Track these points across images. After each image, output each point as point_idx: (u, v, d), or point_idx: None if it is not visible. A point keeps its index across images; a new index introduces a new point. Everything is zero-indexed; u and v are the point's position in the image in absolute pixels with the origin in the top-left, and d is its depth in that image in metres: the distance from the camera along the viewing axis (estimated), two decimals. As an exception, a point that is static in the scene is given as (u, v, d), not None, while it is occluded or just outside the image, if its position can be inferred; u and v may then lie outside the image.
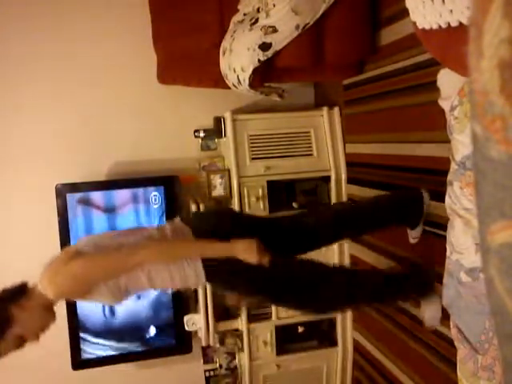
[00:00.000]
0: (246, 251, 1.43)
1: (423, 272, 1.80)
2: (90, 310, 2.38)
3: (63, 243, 2.31)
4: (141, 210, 2.41)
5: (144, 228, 1.61)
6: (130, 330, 2.45)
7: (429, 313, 1.77)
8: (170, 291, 1.68)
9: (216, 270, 1.49)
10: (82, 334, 2.37)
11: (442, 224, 1.56)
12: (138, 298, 2.44)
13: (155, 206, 2.42)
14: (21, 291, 1.38)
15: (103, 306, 2.39)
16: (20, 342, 1.35)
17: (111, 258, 1.40)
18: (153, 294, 2.45)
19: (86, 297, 1.41)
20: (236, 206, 2.35)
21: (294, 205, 2.45)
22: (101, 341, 2.41)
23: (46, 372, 2.47)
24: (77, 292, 1.41)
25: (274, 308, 2.41)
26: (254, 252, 1.43)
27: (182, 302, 2.47)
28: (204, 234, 1.48)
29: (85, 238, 1.56)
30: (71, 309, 2.33)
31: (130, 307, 2.43)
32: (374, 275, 1.82)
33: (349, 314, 2.49)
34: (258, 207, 2.36)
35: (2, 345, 1.31)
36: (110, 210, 2.39)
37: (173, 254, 1.45)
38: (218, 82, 2.09)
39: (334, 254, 2.46)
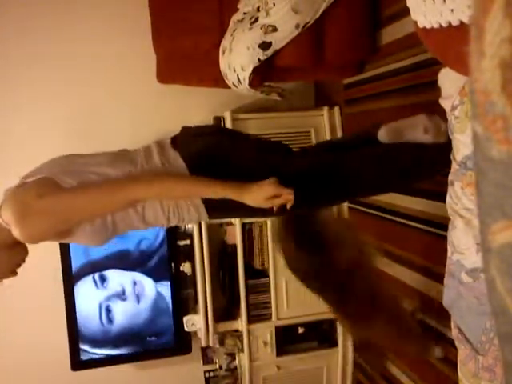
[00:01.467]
0: (259, 200, 1.15)
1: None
2: (90, 312, 2.38)
3: (62, 247, 2.31)
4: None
5: (125, 155, 1.33)
6: (130, 331, 2.45)
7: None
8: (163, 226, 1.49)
9: (221, 207, 1.23)
10: (80, 334, 2.37)
11: (442, 224, 1.55)
12: (138, 300, 2.44)
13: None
14: None
15: (100, 311, 2.38)
16: None
17: (99, 193, 1.14)
18: (152, 292, 2.45)
19: (64, 239, 1.17)
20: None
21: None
22: (98, 350, 2.40)
23: (45, 373, 2.47)
24: (54, 234, 1.13)
25: (274, 308, 2.40)
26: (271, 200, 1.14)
27: (182, 302, 2.47)
28: (204, 170, 1.20)
29: (46, 164, 1.30)
30: (70, 308, 2.33)
31: (130, 307, 2.43)
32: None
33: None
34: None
35: None
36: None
37: (171, 194, 1.19)
38: (218, 81, 2.09)
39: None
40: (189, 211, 1.24)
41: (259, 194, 1.17)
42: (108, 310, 2.38)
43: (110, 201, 1.15)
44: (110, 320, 2.38)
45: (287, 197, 1.19)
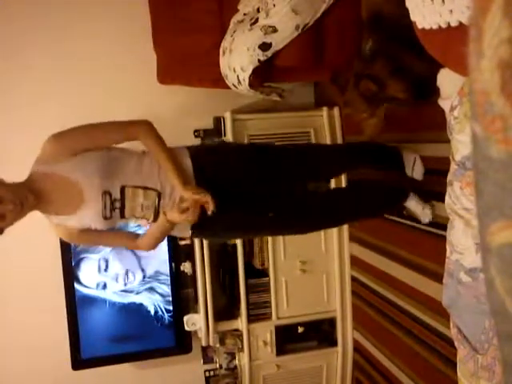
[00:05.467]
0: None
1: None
2: (90, 311, 2.38)
3: (62, 242, 2.31)
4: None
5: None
6: (130, 331, 2.45)
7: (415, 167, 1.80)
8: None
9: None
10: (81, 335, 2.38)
11: (442, 224, 1.56)
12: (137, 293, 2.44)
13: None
14: None
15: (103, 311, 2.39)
16: None
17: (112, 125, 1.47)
18: (148, 300, 2.45)
19: (76, 156, 1.37)
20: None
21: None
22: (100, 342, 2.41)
23: (46, 372, 2.47)
24: (72, 143, 1.40)
25: (273, 308, 2.41)
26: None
27: (182, 301, 2.47)
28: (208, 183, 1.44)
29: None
30: (71, 308, 2.33)
31: (129, 307, 2.43)
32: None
33: (349, 314, 2.49)
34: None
35: None
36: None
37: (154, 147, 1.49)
38: (218, 81, 2.09)
39: (334, 253, 2.46)
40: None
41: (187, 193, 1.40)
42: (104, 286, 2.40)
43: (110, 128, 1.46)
44: (113, 313, 2.40)
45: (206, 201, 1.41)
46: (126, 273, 2.41)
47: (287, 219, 1.64)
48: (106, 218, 1.40)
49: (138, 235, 1.56)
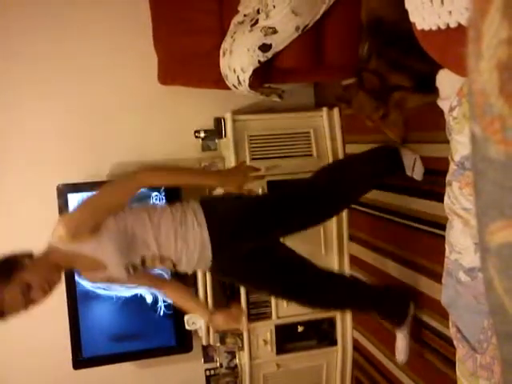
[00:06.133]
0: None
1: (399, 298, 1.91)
2: (91, 310, 2.39)
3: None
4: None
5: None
6: (131, 330, 2.46)
7: (399, 344, 1.92)
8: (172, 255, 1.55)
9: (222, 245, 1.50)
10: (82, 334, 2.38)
11: (441, 224, 1.56)
12: (138, 296, 2.44)
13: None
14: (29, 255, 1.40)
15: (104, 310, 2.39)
16: (25, 289, 1.32)
17: (114, 185, 1.48)
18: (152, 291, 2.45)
19: (96, 233, 1.37)
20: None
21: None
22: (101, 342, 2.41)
23: (47, 371, 2.47)
24: (87, 227, 1.36)
25: (273, 307, 2.41)
26: None
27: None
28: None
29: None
30: (73, 306, 2.33)
31: (129, 307, 2.43)
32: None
33: (348, 314, 2.50)
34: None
35: (8, 287, 1.30)
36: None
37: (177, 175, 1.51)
38: (219, 82, 2.09)
39: (334, 254, 2.46)
40: (193, 227, 1.47)
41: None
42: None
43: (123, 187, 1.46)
44: (113, 312, 2.40)
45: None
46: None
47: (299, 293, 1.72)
48: (129, 274, 1.48)
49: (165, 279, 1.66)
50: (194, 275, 2.39)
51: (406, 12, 0.79)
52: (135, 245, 1.43)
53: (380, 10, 1.44)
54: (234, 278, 1.88)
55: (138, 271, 1.48)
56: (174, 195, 2.43)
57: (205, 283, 2.34)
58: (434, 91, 1.14)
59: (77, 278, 2.35)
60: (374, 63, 1.50)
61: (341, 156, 2.48)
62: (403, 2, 0.80)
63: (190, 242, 1.47)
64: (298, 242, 2.42)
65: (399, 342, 1.93)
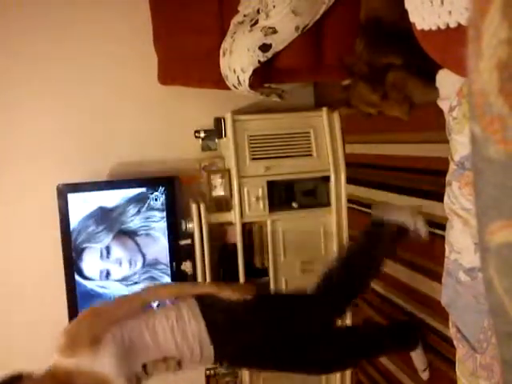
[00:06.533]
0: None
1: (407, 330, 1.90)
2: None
3: (64, 243, 2.31)
4: (142, 210, 2.42)
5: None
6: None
7: (417, 363, 1.88)
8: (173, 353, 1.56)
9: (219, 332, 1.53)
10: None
11: (441, 224, 1.56)
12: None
13: (156, 206, 2.42)
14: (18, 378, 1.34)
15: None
16: None
17: (120, 299, 1.56)
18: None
19: (95, 346, 1.37)
20: (236, 207, 2.35)
21: (294, 205, 2.45)
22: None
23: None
24: (86, 337, 1.38)
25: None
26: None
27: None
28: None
29: None
30: (73, 306, 2.33)
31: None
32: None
33: (349, 315, 2.50)
34: (258, 207, 2.36)
35: None
36: (111, 209, 2.40)
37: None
38: (219, 82, 2.09)
39: (334, 254, 2.46)
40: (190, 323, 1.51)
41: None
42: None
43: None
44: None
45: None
46: (129, 256, 2.42)
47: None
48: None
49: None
50: (195, 275, 2.39)
51: (405, 12, 0.79)
52: (134, 353, 1.43)
53: (380, 9, 1.43)
54: (239, 365, 1.95)
55: (142, 381, 1.48)
56: (172, 195, 2.44)
57: (205, 282, 2.34)
58: (433, 78, 1.12)
59: (77, 277, 2.36)
60: (365, 55, 1.50)
61: (341, 160, 2.46)
62: (403, 2, 0.80)
63: (188, 335, 1.49)
64: (298, 243, 2.43)
65: (416, 361, 1.88)
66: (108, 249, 2.39)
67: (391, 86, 1.49)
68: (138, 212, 2.42)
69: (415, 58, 1.25)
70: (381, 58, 1.44)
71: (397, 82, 1.47)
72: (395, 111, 1.59)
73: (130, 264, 2.41)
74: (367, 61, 1.49)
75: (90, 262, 2.38)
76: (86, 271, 2.38)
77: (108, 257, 2.39)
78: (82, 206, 2.35)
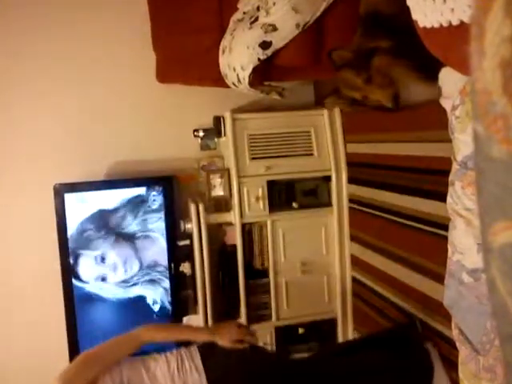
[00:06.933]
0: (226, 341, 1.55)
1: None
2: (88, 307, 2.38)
3: (61, 243, 2.31)
4: (140, 210, 2.42)
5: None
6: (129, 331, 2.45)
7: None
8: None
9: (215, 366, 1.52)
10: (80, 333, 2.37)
11: (443, 224, 1.55)
12: (138, 298, 2.44)
13: (154, 206, 2.42)
14: None
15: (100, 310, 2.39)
16: None
17: (114, 340, 1.51)
18: (151, 294, 2.45)
19: None
20: (236, 207, 2.34)
21: (295, 205, 2.44)
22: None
23: (46, 372, 2.46)
24: (81, 378, 1.38)
25: (273, 309, 2.41)
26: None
27: (181, 302, 2.47)
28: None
29: None
30: (70, 307, 2.33)
31: (127, 308, 2.43)
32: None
33: (349, 315, 2.49)
34: (258, 207, 2.36)
35: None
36: (108, 211, 2.39)
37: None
38: (218, 81, 2.09)
39: (335, 254, 2.46)
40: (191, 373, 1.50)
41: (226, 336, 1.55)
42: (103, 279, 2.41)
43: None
44: (112, 313, 2.40)
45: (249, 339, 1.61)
46: (125, 261, 2.41)
47: None
48: None
49: None
50: (194, 276, 2.39)
51: (405, 7, 0.78)
52: None
53: (379, 3, 1.41)
54: None
55: None
56: (170, 195, 2.43)
57: (204, 285, 2.34)
58: (431, 72, 1.09)
59: (74, 280, 2.35)
60: (355, 43, 1.47)
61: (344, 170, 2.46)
62: (404, -1, 0.79)
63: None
64: (298, 244, 2.42)
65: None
66: (103, 254, 2.39)
67: (376, 71, 1.44)
68: (136, 212, 2.41)
69: (406, 45, 1.20)
70: (368, 43, 1.41)
71: (382, 66, 1.42)
72: (378, 95, 1.54)
73: (126, 269, 2.40)
74: (354, 48, 1.45)
75: (86, 268, 2.38)
76: (83, 275, 2.37)
77: (103, 262, 2.39)
78: (79, 206, 2.35)
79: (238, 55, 1.88)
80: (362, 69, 1.45)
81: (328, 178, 2.45)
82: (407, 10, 0.78)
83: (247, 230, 2.40)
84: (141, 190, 2.42)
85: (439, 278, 1.36)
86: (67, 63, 2.45)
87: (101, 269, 2.39)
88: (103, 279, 2.39)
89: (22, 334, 2.45)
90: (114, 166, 2.52)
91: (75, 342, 2.36)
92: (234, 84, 2.01)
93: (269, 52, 1.83)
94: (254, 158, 2.38)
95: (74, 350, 2.37)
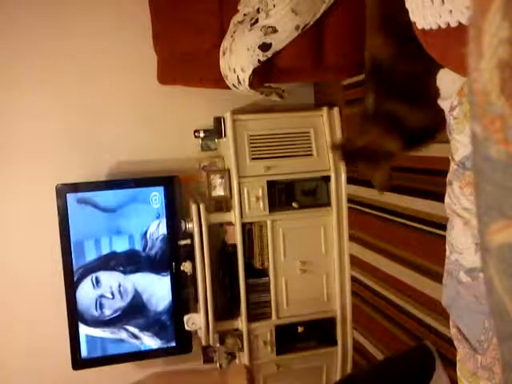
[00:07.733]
0: None
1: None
2: (88, 304, 2.39)
3: (63, 244, 2.31)
4: (141, 210, 2.42)
5: None
6: (130, 330, 2.45)
7: None
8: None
9: None
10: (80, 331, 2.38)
11: (441, 224, 1.56)
12: (137, 295, 2.44)
13: (155, 206, 2.42)
14: None
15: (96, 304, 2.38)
16: None
17: None
18: (151, 294, 2.45)
19: None
20: (236, 207, 2.35)
21: (294, 205, 2.45)
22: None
23: (47, 372, 2.47)
24: None
25: (273, 308, 2.41)
26: None
27: (182, 301, 2.47)
28: None
29: None
30: (71, 307, 2.33)
31: (128, 308, 2.43)
32: None
33: (349, 314, 2.50)
34: (258, 207, 2.36)
35: None
36: (110, 211, 2.39)
37: None
38: (218, 82, 2.09)
39: (334, 254, 2.46)
40: None
41: None
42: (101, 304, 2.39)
43: None
44: (112, 313, 2.40)
45: None
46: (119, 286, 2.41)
47: None
48: None
49: None
50: (194, 275, 2.39)
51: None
52: None
53: (378, 49, 1.30)
54: None
55: None
56: (172, 195, 2.44)
57: (204, 283, 2.34)
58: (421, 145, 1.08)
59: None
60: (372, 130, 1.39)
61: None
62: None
63: None
64: (298, 243, 2.43)
65: None
66: (98, 278, 2.39)
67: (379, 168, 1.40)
68: (137, 212, 2.41)
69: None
70: (384, 141, 1.33)
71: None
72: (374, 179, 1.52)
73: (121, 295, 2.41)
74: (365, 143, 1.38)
75: (85, 293, 2.38)
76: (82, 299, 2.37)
77: (99, 286, 2.39)
78: (78, 206, 2.34)
79: (239, 57, 1.89)
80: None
81: (327, 178, 2.46)
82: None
83: (247, 230, 2.40)
84: (142, 190, 2.42)
85: (438, 277, 1.37)
86: (68, 63, 2.46)
87: (98, 292, 2.38)
88: (101, 306, 2.39)
89: (23, 333, 2.45)
90: (115, 167, 2.52)
91: (77, 341, 2.37)
92: (234, 85, 2.01)
93: (269, 54, 1.84)
94: (254, 159, 2.39)
95: (75, 349, 2.37)
